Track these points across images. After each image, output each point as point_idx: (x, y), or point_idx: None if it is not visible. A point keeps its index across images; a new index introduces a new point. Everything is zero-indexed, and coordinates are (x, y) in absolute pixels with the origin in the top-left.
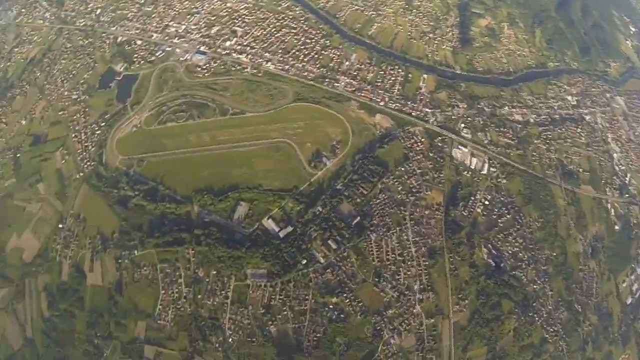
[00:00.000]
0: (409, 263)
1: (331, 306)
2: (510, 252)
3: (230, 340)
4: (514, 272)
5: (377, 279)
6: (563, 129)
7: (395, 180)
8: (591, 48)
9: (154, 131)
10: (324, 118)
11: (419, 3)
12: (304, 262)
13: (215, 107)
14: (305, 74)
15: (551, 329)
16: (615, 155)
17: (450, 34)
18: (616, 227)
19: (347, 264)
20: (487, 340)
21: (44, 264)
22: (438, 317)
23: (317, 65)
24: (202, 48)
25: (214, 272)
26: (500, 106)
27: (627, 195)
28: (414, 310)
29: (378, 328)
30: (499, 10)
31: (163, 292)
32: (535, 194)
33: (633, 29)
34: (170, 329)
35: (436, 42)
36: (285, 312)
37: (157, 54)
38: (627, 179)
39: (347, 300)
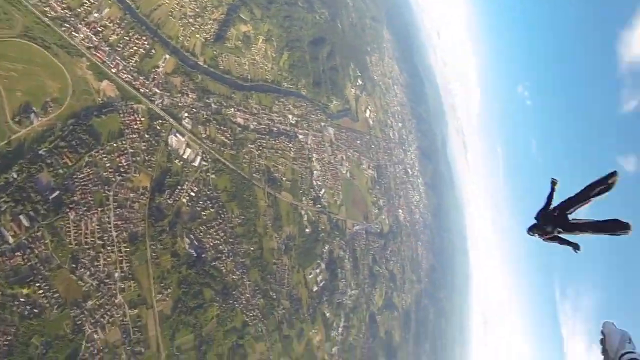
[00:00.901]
0: (109, 248)
1: (22, 299)
2: (211, 244)
3: None
4: (214, 263)
5: (74, 265)
6: (277, 141)
7: (104, 155)
8: (322, 84)
9: None
10: (46, 67)
11: None
12: None
13: None
14: (47, 9)
15: (251, 314)
16: (315, 172)
17: (209, 26)
18: (307, 230)
19: (41, 246)
20: (193, 327)
21: None
22: (142, 307)
23: (64, 5)
24: None
25: None
26: (227, 106)
27: (319, 206)
28: (116, 301)
29: (79, 322)
30: (262, 24)
31: None
32: (240, 192)
33: (359, 82)
34: None
35: (193, 28)
36: None
37: None
38: (321, 193)
39: (41, 291)
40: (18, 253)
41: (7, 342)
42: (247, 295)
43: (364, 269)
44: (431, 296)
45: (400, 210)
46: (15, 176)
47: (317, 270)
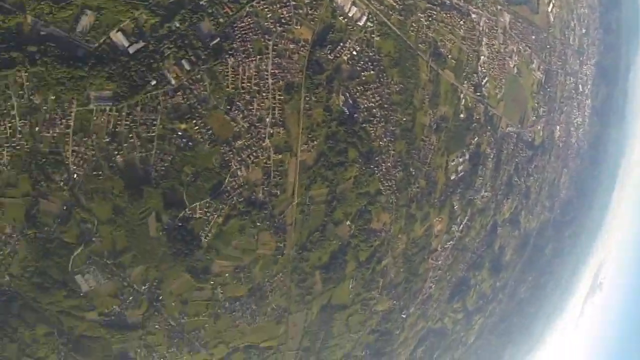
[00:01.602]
0: (264, 94)
1: (180, 133)
2: (365, 105)
3: (75, 176)
4: (364, 125)
5: (229, 107)
6: (448, 15)
7: (265, 6)
8: None
9: None
10: None
11: None
12: (154, 82)
13: None
14: None
15: (387, 184)
16: (482, 57)
17: None
18: (461, 115)
19: (200, 88)
20: (329, 182)
21: None
22: (286, 154)
23: None
24: None
25: (53, 98)
26: None
27: (478, 94)
28: (263, 144)
29: (226, 159)
30: None
31: None
32: (402, 60)
33: None
34: (9, 174)
35: None
36: (131, 140)
37: None
38: (484, 81)
39: (197, 127)
40: (179, 93)
41: (164, 168)
42: (389, 164)
43: (503, 175)
44: (557, 230)
45: (557, 127)
46: (177, 25)
47: (461, 160)
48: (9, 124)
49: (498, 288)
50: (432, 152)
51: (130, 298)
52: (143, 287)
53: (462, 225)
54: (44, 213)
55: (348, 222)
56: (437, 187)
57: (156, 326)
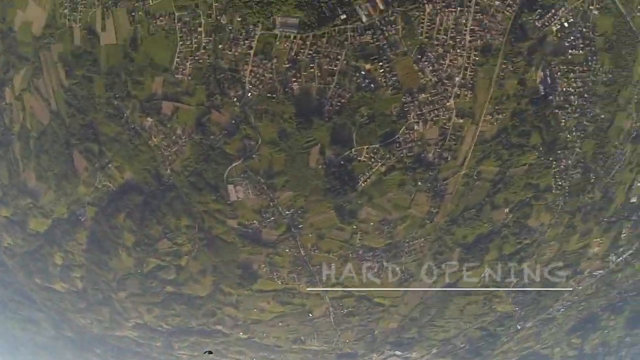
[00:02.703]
0: (458, 51)
1: (363, 72)
2: (564, 89)
3: (249, 94)
4: (557, 111)
5: (419, 57)
6: None
7: None
8: None
9: None
10: None
11: None
12: (344, 17)
13: None
14: None
15: (560, 182)
16: None
17: None
18: None
19: (391, 30)
20: (502, 162)
21: (55, 33)
22: (467, 120)
23: None
24: None
25: (239, 19)
26: None
27: None
28: (447, 104)
29: (406, 109)
30: None
31: (181, 42)
32: (619, 46)
33: None
34: (188, 83)
35: None
36: (312, 70)
37: None
38: None
39: (382, 70)
40: (369, 32)
41: (339, 103)
42: (569, 162)
43: None
44: None
45: None
46: None
47: None
48: (195, 40)
49: (626, 344)
50: (621, 163)
51: (272, 218)
52: (287, 212)
53: (621, 258)
54: (213, 123)
55: (506, 210)
56: (612, 205)
57: (286, 250)
